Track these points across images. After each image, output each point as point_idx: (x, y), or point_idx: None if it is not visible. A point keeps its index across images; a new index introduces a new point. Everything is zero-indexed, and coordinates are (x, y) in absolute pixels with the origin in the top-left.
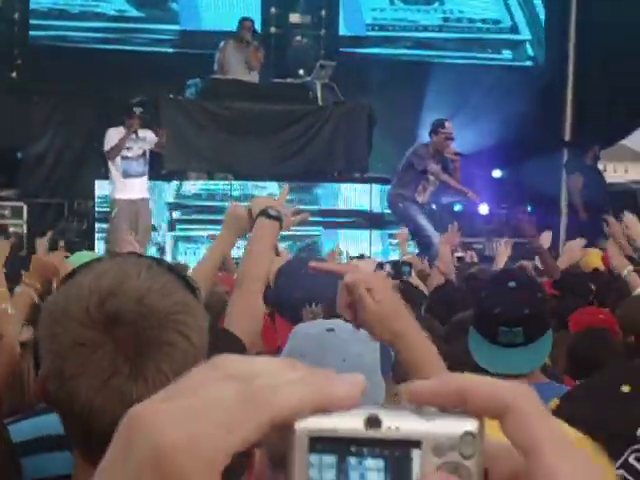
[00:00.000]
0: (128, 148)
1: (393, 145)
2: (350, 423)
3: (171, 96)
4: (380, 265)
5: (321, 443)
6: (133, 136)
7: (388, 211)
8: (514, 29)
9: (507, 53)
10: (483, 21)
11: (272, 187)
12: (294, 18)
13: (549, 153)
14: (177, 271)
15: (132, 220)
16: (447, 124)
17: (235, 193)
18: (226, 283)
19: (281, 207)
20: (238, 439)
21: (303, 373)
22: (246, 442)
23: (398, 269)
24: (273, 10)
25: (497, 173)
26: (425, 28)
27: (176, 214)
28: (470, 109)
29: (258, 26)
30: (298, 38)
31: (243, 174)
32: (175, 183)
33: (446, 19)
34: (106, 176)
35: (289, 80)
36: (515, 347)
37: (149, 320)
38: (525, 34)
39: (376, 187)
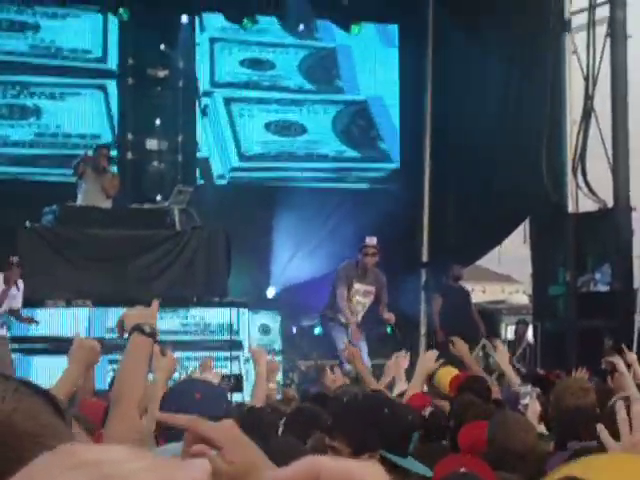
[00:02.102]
0: None
1: (251, 269)
2: None
3: (28, 224)
4: (224, 377)
5: None
6: (14, 289)
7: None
8: None
9: None
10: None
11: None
12: (151, 144)
13: (407, 274)
14: (44, 393)
15: None
16: (367, 240)
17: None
18: (91, 412)
19: (153, 320)
20: None
21: (150, 460)
22: None
23: (239, 382)
24: (129, 136)
25: None
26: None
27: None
28: (326, 232)
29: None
30: (155, 163)
31: (101, 300)
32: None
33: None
34: None
35: (146, 205)
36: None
37: (14, 443)
38: None
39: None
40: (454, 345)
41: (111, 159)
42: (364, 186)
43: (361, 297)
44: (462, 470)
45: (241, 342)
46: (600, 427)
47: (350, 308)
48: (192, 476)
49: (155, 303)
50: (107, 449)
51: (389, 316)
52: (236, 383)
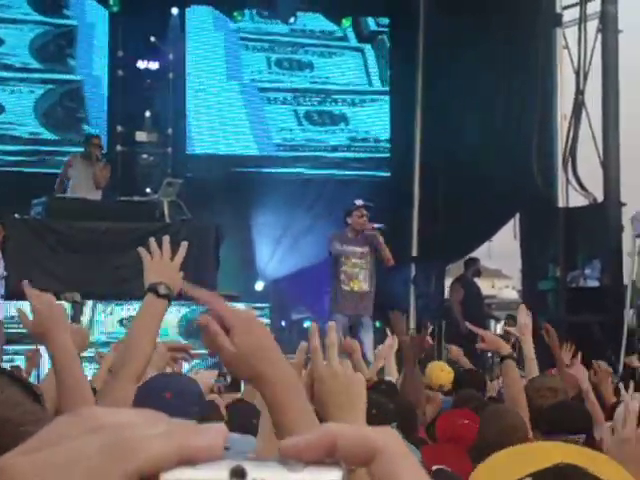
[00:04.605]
0: None
1: (239, 262)
2: (215, 474)
3: (17, 215)
4: (220, 374)
5: None
6: None
7: None
8: None
9: None
10: None
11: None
12: (140, 136)
13: (396, 268)
14: (21, 380)
15: None
16: (357, 202)
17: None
18: None
19: (174, 276)
20: None
21: (167, 425)
22: None
23: (236, 381)
24: (119, 128)
25: None
26: None
27: None
28: (311, 223)
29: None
30: (145, 156)
31: (90, 293)
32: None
33: None
34: None
35: (135, 198)
36: None
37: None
38: None
39: None
40: (450, 352)
41: (102, 149)
42: None
43: (357, 259)
44: (434, 467)
45: None
46: (607, 427)
47: (346, 274)
48: (208, 441)
49: (184, 246)
50: (125, 413)
51: (390, 257)
52: (233, 382)
